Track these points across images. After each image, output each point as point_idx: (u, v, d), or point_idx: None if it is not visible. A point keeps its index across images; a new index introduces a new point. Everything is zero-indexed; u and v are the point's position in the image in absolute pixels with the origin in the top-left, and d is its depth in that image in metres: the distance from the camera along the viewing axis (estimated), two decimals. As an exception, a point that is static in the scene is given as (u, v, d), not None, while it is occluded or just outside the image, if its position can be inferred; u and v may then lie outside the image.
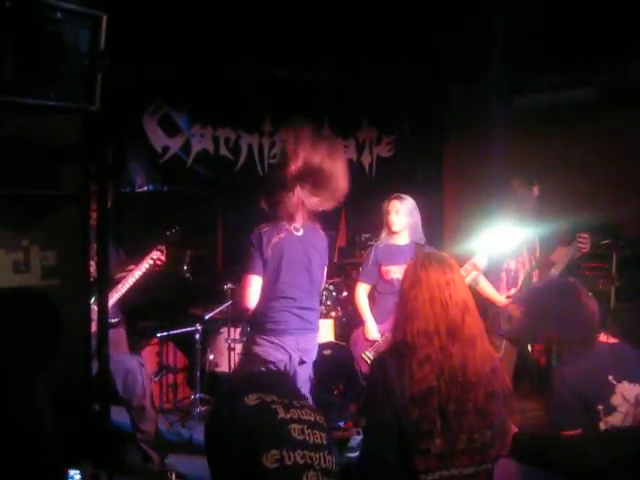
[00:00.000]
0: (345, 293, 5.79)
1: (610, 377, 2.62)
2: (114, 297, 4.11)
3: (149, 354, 5.65)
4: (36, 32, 2.15)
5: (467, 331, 2.31)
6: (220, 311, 5.42)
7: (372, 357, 4.46)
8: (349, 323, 5.58)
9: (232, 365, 5.23)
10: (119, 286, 4.18)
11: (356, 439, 4.73)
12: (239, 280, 3.88)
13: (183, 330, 5.44)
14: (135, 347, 5.09)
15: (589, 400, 2.62)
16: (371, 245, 4.97)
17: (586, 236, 4.52)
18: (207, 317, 5.39)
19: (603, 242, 5.23)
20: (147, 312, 5.54)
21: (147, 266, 4.27)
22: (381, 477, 2.27)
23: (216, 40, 4.95)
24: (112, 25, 2.33)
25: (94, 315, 2.62)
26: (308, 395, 3.60)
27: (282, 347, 3.61)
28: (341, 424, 5.12)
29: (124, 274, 4.23)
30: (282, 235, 3.62)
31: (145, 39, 4.62)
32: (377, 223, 4.87)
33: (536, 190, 4.84)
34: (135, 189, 5.55)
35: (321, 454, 1.61)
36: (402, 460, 2.22)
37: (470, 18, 5.02)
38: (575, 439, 2.63)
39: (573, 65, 5.73)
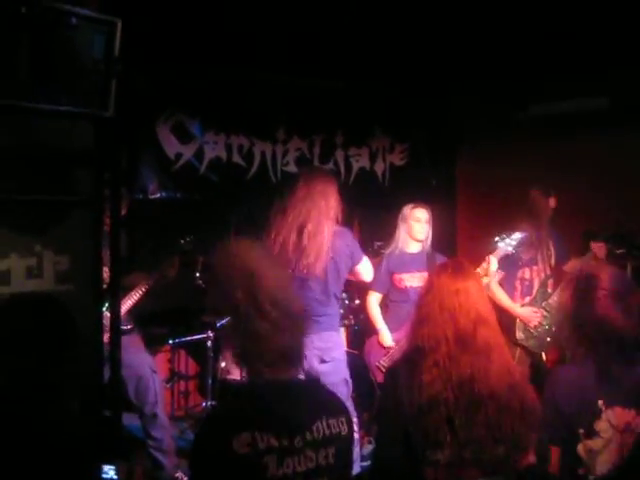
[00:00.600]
0: (357, 301, 5.76)
1: (600, 402, 2.37)
2: (127, 304, 4.11)
3: (161, 361, 5.64)
4: (51, 38, 2.15)
5: (480, 342, 2.28)
6: (232, 318, 5.38)
7: (386, 365, 4.44)
8: (361, 331, 5.56)
9: (243, 373, 5.20)
10: (132, 293, 4.18)
11: (368, 448, 4.71)
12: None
13: (195, 337, 5.44)
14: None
15: (573, 422, 2.40)
16: (383, 253, 4.94)
17: (601, 245, 4.49)
18: (219, 324, 5.37)
19: (618, 251, 5.18)
20: (159, 319, 5.53)
21: (157, 277, 4.27)
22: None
23: (230, 47, 4.96)
24: (127, 31, 2.33)
25: (106, 321, 2.62)
26: (344, 399, 3.15)
27: None
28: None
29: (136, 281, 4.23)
30: None
31: (159, 46, 4.63)
32: (390, 231, 4.85)
33: (552, 201, 4.82)
34: (147, 196, 5.54)
35: None
36: (412, 471, 2.20)
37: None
38: None
39: (588, 74, 5.70)
